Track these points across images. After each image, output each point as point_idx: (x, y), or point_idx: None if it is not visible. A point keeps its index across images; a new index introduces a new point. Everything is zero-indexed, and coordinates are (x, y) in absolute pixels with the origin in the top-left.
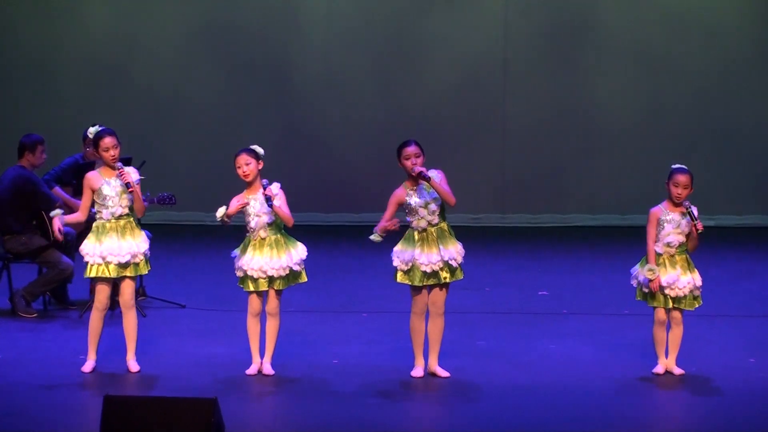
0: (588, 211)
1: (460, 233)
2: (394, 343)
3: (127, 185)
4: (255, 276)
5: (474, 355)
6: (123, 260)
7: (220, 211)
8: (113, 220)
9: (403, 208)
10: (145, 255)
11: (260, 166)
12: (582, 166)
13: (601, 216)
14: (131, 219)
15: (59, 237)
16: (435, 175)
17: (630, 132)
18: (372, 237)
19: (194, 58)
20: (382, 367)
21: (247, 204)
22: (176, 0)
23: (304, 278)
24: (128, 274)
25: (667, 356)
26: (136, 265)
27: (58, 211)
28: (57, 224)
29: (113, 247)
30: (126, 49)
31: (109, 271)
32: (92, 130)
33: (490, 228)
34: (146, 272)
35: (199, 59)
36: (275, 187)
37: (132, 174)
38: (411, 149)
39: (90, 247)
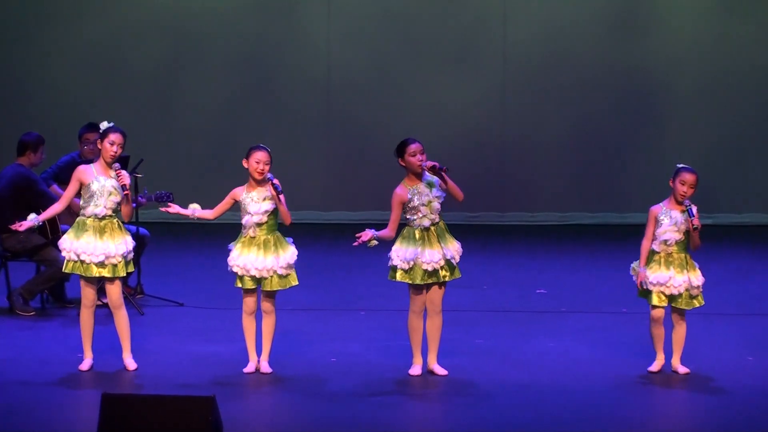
0: (586, 210)
1: (458, 231)
2: (392, 341)
3: (123, 187)
4: (239, 273)
5: (472, 353)
6: (96, 260)
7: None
8: (95, 219)
9: (404, 206)
10: (124, 257)
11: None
12: (580, 165)
13: (599, 214)
14: (114, 220)
15: (19, 228)
16: None
17: (627, 131)
18: (369, 244)
19: (200, 59)
20: (381, 365)
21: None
22: None
23: (294, 282)
24: (106, 274)
25: (671, 356)
26: (114, 266)
27: (32, 215)
28: (26, 225)
29: (89, 246)
30: (133, 38)
31: (84, 269)
32: (105, 124)
33: (488, 226)
34: (124, 274)
35: (204, 59)
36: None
37: (124, 178)
38: (416, 146)
39: (67, 242)
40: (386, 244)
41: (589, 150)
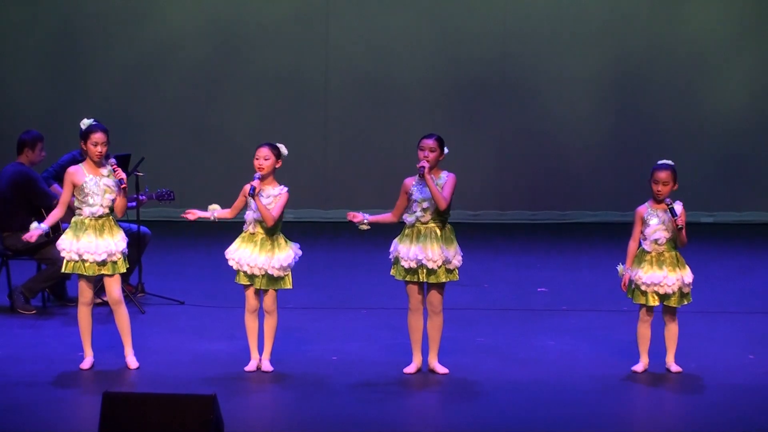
0: (587, 208)
1: (459, 230)
2: (392, 340)
3: (120, 181)
4: (234, 267)
5: (473, 351)
6: (99, 258)
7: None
8: (93, 219)
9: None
10: (123, 254)
11: (278, 165)
12: (581, 163)
13: (600, 213)
14: (110, 217)
15: (30, 239)
16: (443, 176)
17: (626, 130)
18: (360, 226)
19: (214, 65)
20: (381, 364)
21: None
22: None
23: (288, 285)
24: (106, 272)
25: (665, 354)
26: (114, 263)
27: (34, 224)
28: (34, 234)
29: (90, 246)
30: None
31: (85, 268)
32: (86, 122)
33: (489, 225)
34: (124, 270)
35: (219, 68)
36: (279, 189)
37: (120, 172)
38: (426, 142)
39: (67, 243)
40: (386, 243)
41: (590, 149)
